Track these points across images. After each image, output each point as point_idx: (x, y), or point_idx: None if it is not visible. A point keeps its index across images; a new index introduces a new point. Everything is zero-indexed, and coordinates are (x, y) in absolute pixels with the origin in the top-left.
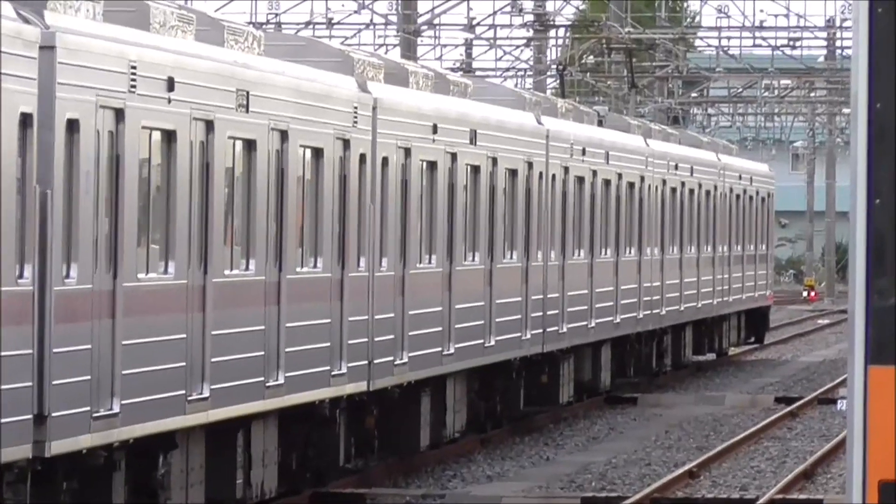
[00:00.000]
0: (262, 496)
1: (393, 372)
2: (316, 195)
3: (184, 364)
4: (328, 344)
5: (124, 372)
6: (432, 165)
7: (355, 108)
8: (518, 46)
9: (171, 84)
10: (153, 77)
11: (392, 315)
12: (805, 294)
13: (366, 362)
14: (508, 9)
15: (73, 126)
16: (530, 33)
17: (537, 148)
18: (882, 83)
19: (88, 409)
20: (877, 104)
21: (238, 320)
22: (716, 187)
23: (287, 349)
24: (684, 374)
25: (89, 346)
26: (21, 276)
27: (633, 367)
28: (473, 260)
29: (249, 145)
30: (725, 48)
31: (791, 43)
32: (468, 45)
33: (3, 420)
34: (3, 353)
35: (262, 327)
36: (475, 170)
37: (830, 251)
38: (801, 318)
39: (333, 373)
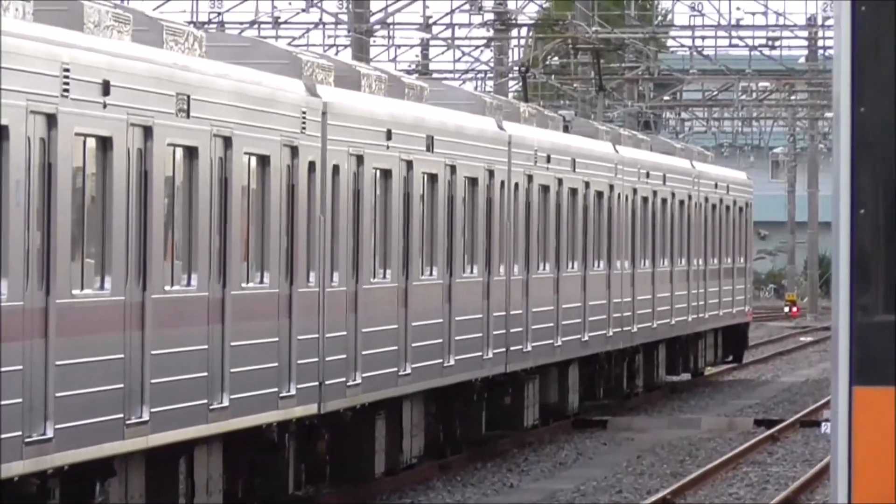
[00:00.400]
0: None
1: (345, 394)
2: (262, 206)
3: (122, 386)
4: (276, 364)
5: (58, 394)
6: (386, 174)
7: (304, 113)
8: (478, 47)
9: (106, 88)
10: (87, 80)
11: (344, 333)
12: (786, 310)
13: (316, 383)
14: (467, 7)
15: (1, 133)
16: (490, 33)
17: (499, 155)
18: (865, 86)
19: (20, 434)
20: (860, 108)
21: (179, 339)
22: (690, 196)
23: (232, 370)
24: (657, 395)
25: (20, 367)
26: None
27: (602, 388)
28: (431, 274)
29: (190, 153)
30: (700, 48)
31: (770, 43)
32: (424, 46)
33: None
34: None
35: (206, 346)
36: (432, 178)
37: (813, 264)
38: (783, 336)
39: (282, 394)
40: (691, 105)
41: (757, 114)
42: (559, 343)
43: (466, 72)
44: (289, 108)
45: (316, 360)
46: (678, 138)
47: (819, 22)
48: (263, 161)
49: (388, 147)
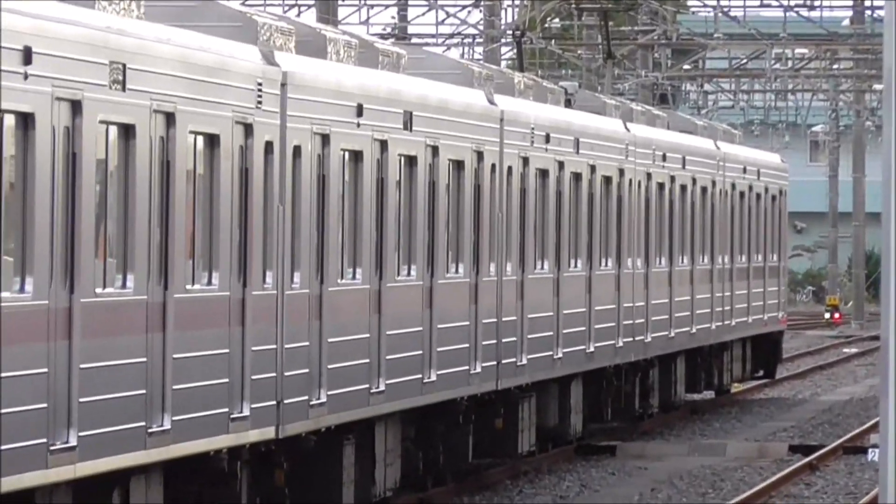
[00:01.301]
0: None
1: (308, 415)
2: (210, 194)
3: (45, 406)
4: (226, 380)
5: None
6: (357, 156)
7: (259, 84)
8: (464, 7)
9: (27, 55)
10: (6, 47)
11: (307, 344)
12: (827, 316)
13: (274, 403)
14: None
15: None
16: None
17: (489, 134)
18: None
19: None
20: None
21: (113, 350)
22: (714, 183)
23: (174, 386)
24: (675, 417)
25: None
26: None
27: (610, 408)
28: (409, 275)
29: (126, 131)
30: (726, 9)
31: (808, 2)
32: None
33: None
34: None
35: (144, 359)
36: (410, 161)
37: (858, 262)
38: (823, 347)
39: (233, 416)
40: (716, 75)
41: (793, 86)
42: (560, 355)
43: (451, 36)
44: (242, 80)
45: (273, 375)
46: (700, 114)
47: None
48: (212, 141)
49: (358, 125)
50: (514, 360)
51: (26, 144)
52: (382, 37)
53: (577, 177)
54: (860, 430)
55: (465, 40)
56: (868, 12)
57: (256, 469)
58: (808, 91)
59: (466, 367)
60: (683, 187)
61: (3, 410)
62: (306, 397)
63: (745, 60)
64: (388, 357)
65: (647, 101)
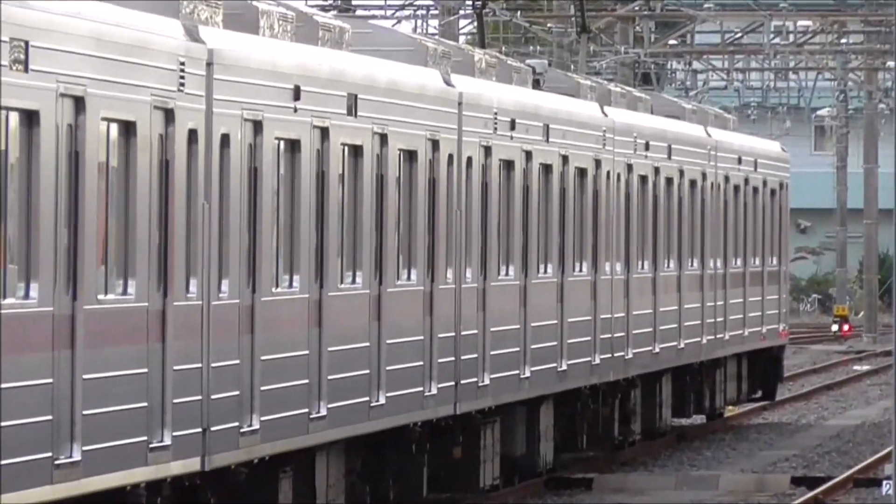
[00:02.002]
0: None
1: (238, 444)
2: (126, 189)
3: None
4: (144, 404)
5: None
6: (293, 146)
7: (182, 64)
8: None
9: None
10: None
11: (237, 362)
12: (835, 329)
13: (199, 430)
14: None
15: None
16: None
17: (446, 120)
18: None
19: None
20: None
21: (15, 369)
22: (705, 175)
23: (85, 412)
24: (661, 445)
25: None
26: None
27: (585, 435)
28: (354, 282)
29: (30, 119)
30: None
31: None
32: None
33: None
34: None
35: (50, 380)
36: (355, 152)
37: (871, 266)
38: (830, 364)
39: (152, 445)
40: (706, 52)
41: (795, 63)
42: (527, 374)
43: (402, 8)
44: (162, 59)
45: (199, 398)
46: (688, 97)
47: None
48: (127, 128)
49: (295, 110)
50: (474, 379)
51: None
52: (323, 9)
53: (546, 169)
54: (873, 459)
55: (418, 12)
56: None
57: None
58: (812, 69)
59: (420, 389)
60: (669, 180)
61: None
62: (236, 424)
63: (739, 34)
64: (330, 377)
65: (627, 82)
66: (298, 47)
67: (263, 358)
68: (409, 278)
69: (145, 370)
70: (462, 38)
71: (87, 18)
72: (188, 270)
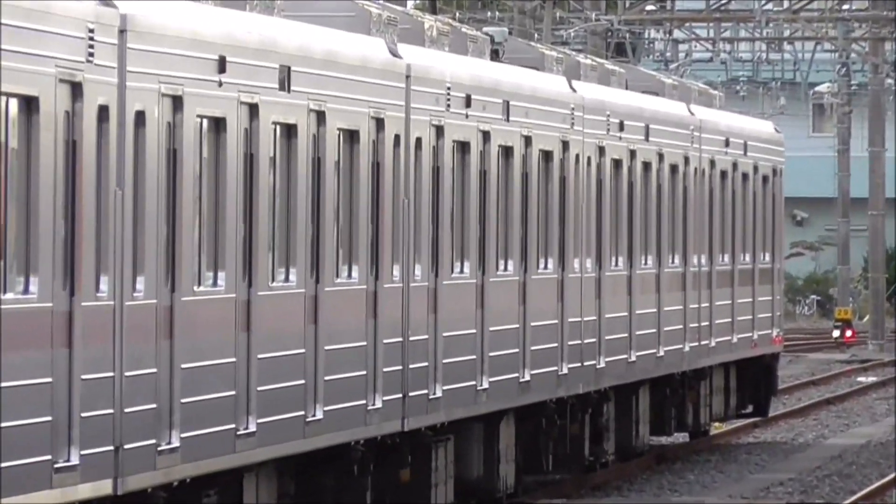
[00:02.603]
0: None
1: (155, 464)
2: (27, 174)
3: None
4: (48, 418)
5: None
6: (218, 124)
7: (91, 31)
8: None
9: None
10: None
11: (154, 371)
12: (836, 334)
13: (111, 448)
14: None
15: None
16: None
17: (392, 96)
18: None
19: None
20: None
21: None
22: (687, 159)
23: None
24: (638, 466)
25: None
26: None
27: (551, 455)
28: (287, 280)
29: None
30: None
31: None
32: None
33: None
34: None
35: None
36: (289, 131)
37: (877, 263)
38: (831, 374)
39: (58, 465)
40: (689, 19)
41: (790, 32)
42: (485, 385)
43: None
44: (68, 25)
45: (111, 412)
46: (669, 70)
47: None
48: (28, 105)
49: (220, 84)
50: (425, 391)
51: None
52: None
53: (507, 152)
54: (880, 483)
55: None
56: None
57: None
58: (809, 39)
59: (363, 402)
60: (647, 165)
61: None
62: (153, 441)
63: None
64: (260, 389)
65: (598, 54)
66: (224, 13)
67: (184, 366)
68: (349, 276)
69: (49, 380)
70: (410, 4)
71: None
72: (98, 267)
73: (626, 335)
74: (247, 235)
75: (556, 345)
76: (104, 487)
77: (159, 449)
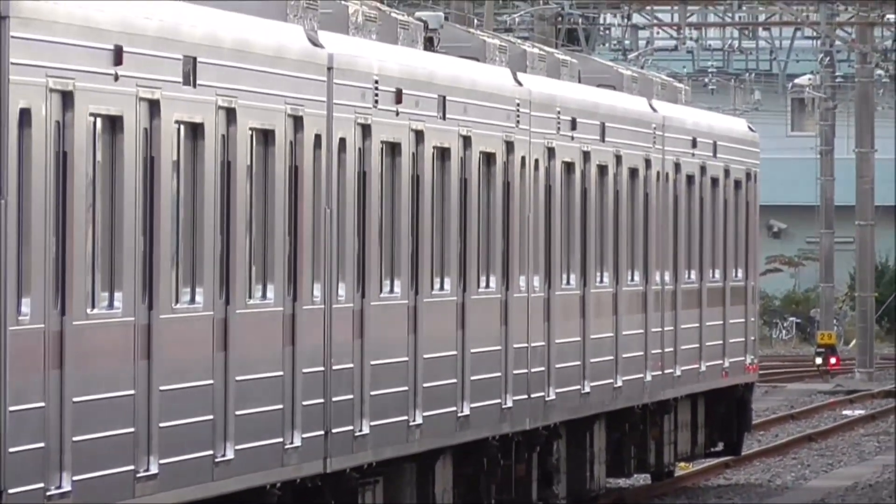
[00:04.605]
0: None
1: None
2: None
3: None
4: None
5: None
6: (114, 123)
7: None
8: None
9: None
10: None
11: (41, 405)
12: (819, 361)
13: None
14: None
15: None
16: None
17: (312, 90)
18: None
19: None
20: None
21: None
22: (649, 162)
23: None
24: None
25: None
26: None
27: (494, 499)
28: (193, 300)
29: None
30: None
31: None
32: None
33: None
34: None
35: None
36: (195, 131)
37: (865, 281)
38: (813, 407)
39: None
40: (650, 1)
41: (766, 17)
42: (418, 420)
43: None
44: None
45: None
46: (628, 60)
47: None
48: None
49: (116, 77)
50: (350, 427)
51: None
52: None
53: (443, 154)
54: None
55: None
56: None
57: None
58: (788, 25)
59: (279, 440)
60: (602, 168)
61: None
62: (41, 485)
63: None
64: (162, 425)
65: (547, 42)
66: None
67: (76, 400)
68: (264, 296)
69: None
70: None
71: None
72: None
73: (579, 363)
74: (146, 249)
75: (499, 374)
76: None
77: (48, 494)
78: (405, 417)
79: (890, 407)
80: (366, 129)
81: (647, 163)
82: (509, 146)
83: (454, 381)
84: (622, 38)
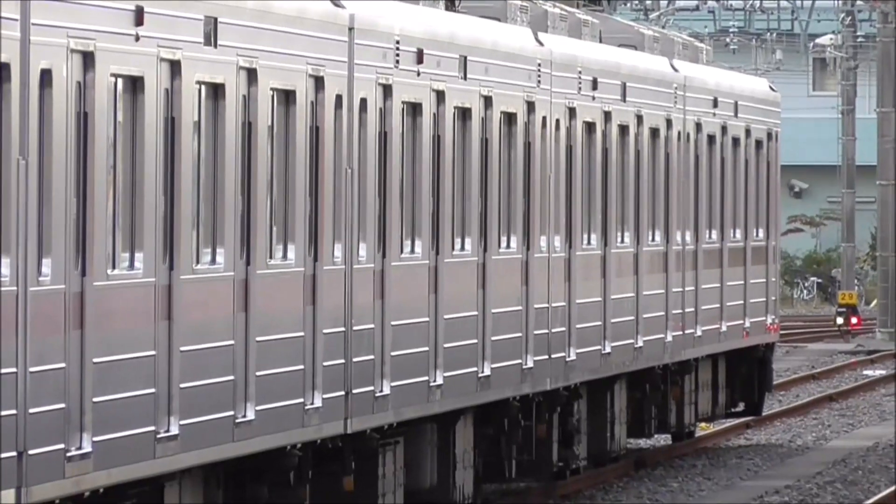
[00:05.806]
0: None
1: (64, 472)
2: None
3: None
4: None
5: None
6: (135, 84)
7: None
8: None
9: None
10: None
11: (61, 365)
12: (840, 321)
13: (13, 454)
14: None
15: None
16: None
17: (333, 51)
18: None
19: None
20: None
21: None
22: (670, 122)
23: None
24: (613, 473)
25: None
26: None
27: (515, 460)
28: (214, 261)
29: None
30: None
31: None
32: None
33: None
34: None
35: None
36: (216, 92)
37: (886, 240)
38: (834, 367)
39: None
40: None
41: None
42: (439, 381)
43: None
44: None
45: (13, 412)
46: (649, 20)
47: None
48: None
49: (137, 38)
50: (370, 388)
51: None
52: None
53: (464, 114)
54: (889, 491)
55: None
56: None
57: None
58: None
59: (300, 400)
60: (624, 129)
61: None
62: (61, 446)
63: None
64: (183, 385)
65: (568, 2)
66: None
67: (97, 361)
68: (284, 257)
69: None
70: None
71: None
72: None
73: (599, 323)
74: (167, 210)
75: (520, 335)
76: (6, 498)
77: (69, 455)
78: (426, 378)
79: None
80: (387, 90)
81: (669, 123)
82: (530, 106)
83: (475, 341)
84: None
